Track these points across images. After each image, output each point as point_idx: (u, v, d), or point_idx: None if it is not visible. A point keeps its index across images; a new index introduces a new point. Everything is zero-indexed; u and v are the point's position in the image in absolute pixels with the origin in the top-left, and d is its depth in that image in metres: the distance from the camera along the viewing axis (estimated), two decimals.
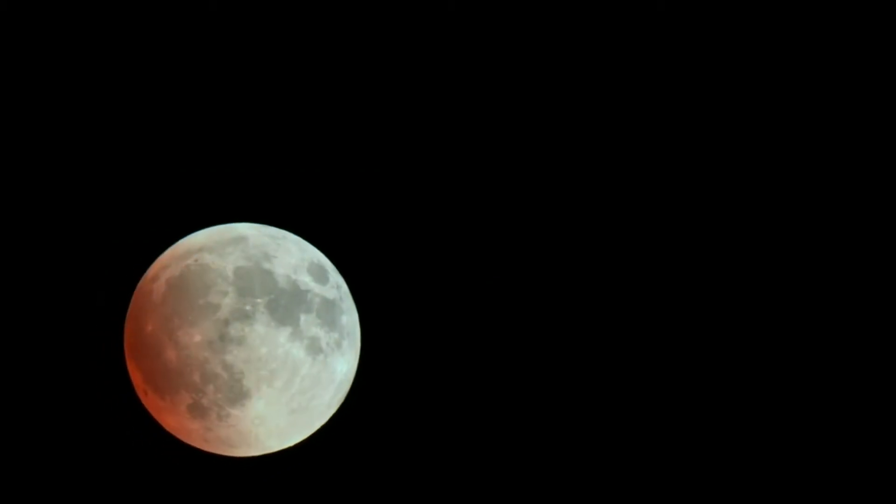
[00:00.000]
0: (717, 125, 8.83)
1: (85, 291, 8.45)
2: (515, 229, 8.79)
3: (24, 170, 8.53)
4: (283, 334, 7.45)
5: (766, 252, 8.80)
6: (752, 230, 8.82)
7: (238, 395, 7.44)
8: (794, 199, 8.82)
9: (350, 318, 7.95)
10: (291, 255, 7.76)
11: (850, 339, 8.73)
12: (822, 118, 8.81)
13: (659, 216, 8.75)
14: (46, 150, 8.56)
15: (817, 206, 8.81)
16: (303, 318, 7.54)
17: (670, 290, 8.76)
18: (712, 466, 8.63)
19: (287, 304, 7.50)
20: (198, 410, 7.53)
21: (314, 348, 7.58)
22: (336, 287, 7.88)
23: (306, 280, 7.68)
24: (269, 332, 7.41)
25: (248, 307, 7.40)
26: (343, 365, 7.83)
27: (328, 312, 7.71)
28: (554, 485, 8.70)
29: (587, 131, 8.69)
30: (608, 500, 8.64)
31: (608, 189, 8.72)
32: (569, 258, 8.78)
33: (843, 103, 8.80)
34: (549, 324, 8.75)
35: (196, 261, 7.61)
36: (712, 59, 8.80)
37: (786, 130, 8.83)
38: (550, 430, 8.70)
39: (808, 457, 8.69)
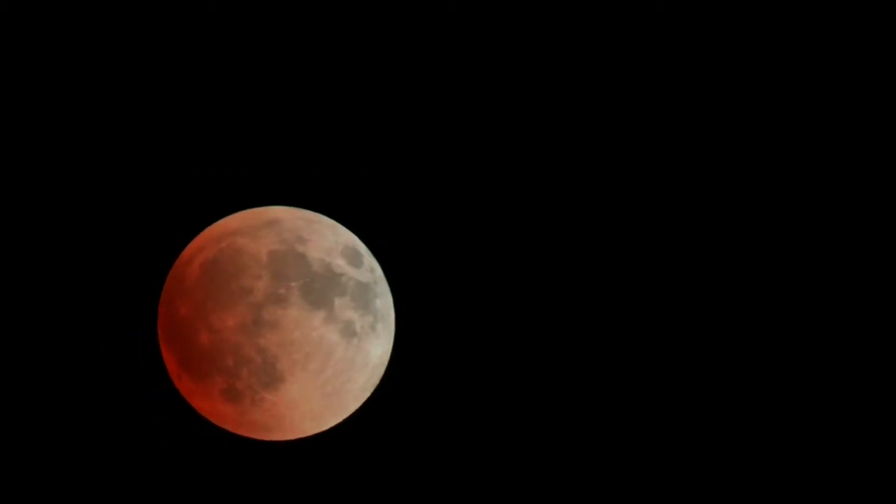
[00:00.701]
0: (716, 125, 8.78)
1: (119, 276, 8.46)
2: (552, 211, 8.75)
3: (57, 155, 8.53)
4: (317, 318, 7.42)
5: (766, 252, 8.76)
6: (752, 230, 8.77)
7: (272, 378, 7.42)
8: (794, 199, 8.76)
9: (384, 301, 7.91)
10: (325, 239, 7.72)
11: (850, 339, 8.68)
12: (822, 118, 8.75)
13: (660, 216, 8.70)
14: (82, 135, 8.56)
15: (817, 207, 8.75)
16: (337, 301, 7.51)
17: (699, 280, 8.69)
18: (733, 467, 8.59)
19: (321, 288, 7.47)
20: (232, 394, 7.51)
21: (348, 332, 7.55)
22: (370, 270, 7.85)
23: (340, 263, 7.64)
24: (302, 316, 7.38)
25: (281, 290, 7.37)
26: (377, 348, 7.79)
27: (362, 296, 7.67)
28: (590, 469, 8.66)
29: (590, 129, 8.66)
30: (644, 474, 8.61)
31: (613, 180, 8.69)
32: (602, 245, 8.74)
33: (843, 103, 8.73)
34: (586, 309, 8.70)
35: (230, 244, 7.60)
36: (712, 59, 8.74)
37: (786, 131, 8.77)
38: (586, 416, 8.65)
39: (809, 457, 8.65)
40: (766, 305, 8.66)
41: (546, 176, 8.76)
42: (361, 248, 7.95)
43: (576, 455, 8.64)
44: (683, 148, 8.77)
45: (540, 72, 8.68)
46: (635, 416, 8.64)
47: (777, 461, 8.57)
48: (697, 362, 8.66)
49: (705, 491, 8.55)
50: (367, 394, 7.95)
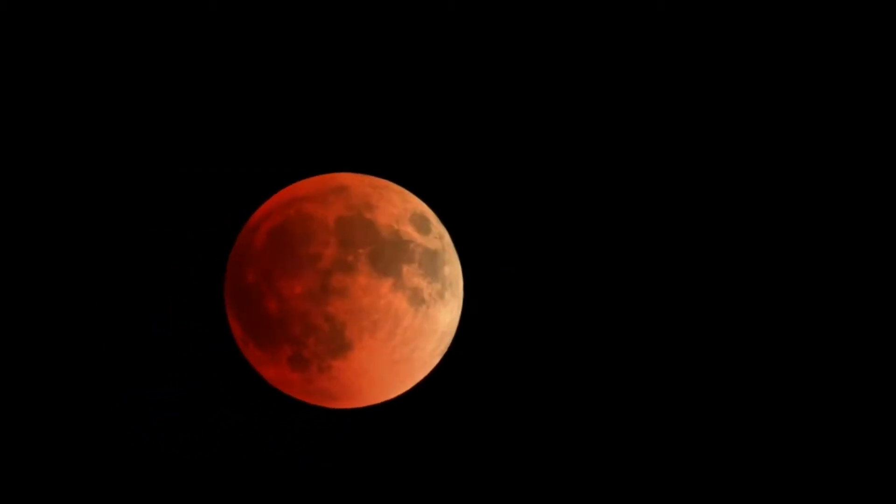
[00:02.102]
0: (716, 125, 8.70)
1: (186, 243, 8.46)
2: (620, 178, 8.67)
3: (124, 127, 8.54)
4: (385, 285, 7.37)
5: (766, 251, 8.70)
6: (752, 230, 8.69)
7: (339, 346, 7.38)
8: (794, 199, 8.68)
9: (453, 268, 7.85)
10: (394, 205, 7.66)
11: (851, 339, 8.60)
12: (822, 118, 8.67)
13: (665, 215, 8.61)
14: (155, 105, 8.56)
15: (817, 207, 8.66)
16: (405, 268, 7.45)
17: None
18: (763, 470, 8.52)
19: (389, 255, 7.42)
20: (299, 362, 7.49)
21: (416, 299, 7.50)
22: (439, 237, 7.78)
23: (409, 230, 7.59)
24: (370, 283, 7.33)
25: (349, 258, 7.33)
26: (446, 316, 7.74)
27: (431, 263, 7.62)
28: (657, 440, 8.60)
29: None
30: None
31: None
32: (670, 221, 8.66)
33: (843, 103, 8.64)
34: (657, 281, 8.62)
35: (297, 211, 7.56)
36: (712, 59, 8.67)
37: (786, 131, 8.68)
38: (652, 387, 8.59)
39: (810, 457, 8.58)
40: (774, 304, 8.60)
41: (613, 150, 8.71)
42: (430, 214, 7.88)
43: (641, 425, 8.59)
44: (683, 148, 8.72)
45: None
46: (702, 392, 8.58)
47: (794, 464, 8.52)
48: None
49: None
50: (436, 361, 7.91)
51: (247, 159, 8.53)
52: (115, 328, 8.33)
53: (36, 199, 8.40)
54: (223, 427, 8.41)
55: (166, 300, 8.44)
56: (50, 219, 8.37)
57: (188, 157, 8.56)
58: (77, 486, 8.26)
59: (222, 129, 8.58)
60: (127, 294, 8.34)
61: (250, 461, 8.39)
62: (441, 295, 7.67)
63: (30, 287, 8.31)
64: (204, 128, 8.57)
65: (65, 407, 8.27)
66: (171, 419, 8.35)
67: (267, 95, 8.59)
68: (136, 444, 8.31)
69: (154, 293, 8.43)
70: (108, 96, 8.48)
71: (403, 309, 7.44)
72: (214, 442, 8.39)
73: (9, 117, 8.35)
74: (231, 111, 8.59)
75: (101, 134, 8.46)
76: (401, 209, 7.68)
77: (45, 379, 8.27)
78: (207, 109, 8.59)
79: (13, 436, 8.23)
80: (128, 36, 8.47)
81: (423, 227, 7.70)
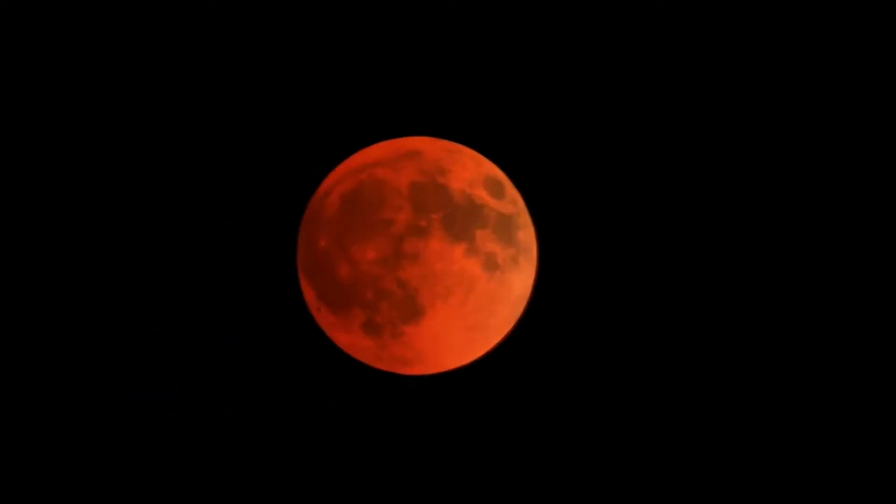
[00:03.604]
0: (716, 126, 8.54)
1: (257, 208, 8.45)
2: (697, 140, 8.54)
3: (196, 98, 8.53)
4: (459, 250, 7.31)
5: (765, 251, 8.56)
6: (751, 230, 8.53)
7: (412, 312, 7.36)
8: (794, 199, 8.51)
9: (527, 233, 7.76)
10: (467, 170, 7.60)
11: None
12: (823, 118, 8.50)
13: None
14: (233, 80, 8.54)
15: (817, 207, 8.50)
16: (479, 233, 7.39)
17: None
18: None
19: (463, 220, 7.35)
20: (371, 328, 7.48)
21: (490, 264, 7.43)
22: (513, 202, 7.70)
23: (482, 195, 7.52)
24: (444, 248, 7.28)
25: (422, 222, 7.27)
26: (520, 281, 7.66)
27: (504, 228, 7.54)
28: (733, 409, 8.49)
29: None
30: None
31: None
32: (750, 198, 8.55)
33: (843, 103, 8.48)
34: (740, 250, 8.51)
35: (370, 176, 7.52)
36: (712, 59, 8.51)
37: (787, 131, 8.52)
38: (732, 361, 8.48)
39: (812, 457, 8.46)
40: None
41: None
42: (504, 179, 7.79)
43: (720, 397, 8.49)
44: (682, 148, 8.57)
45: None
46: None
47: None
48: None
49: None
50: (509, 327, 7.85)
51: (318, 125, 8.49)
52: (115, 328, 8.34)
53: (36, 198, 8.43)
54: (295, 394, 8.41)
55: (166, 300, 8.44)
56: (49, 219, 8.40)
57: (261, 124, 8.55)
58: (77, 486, 8.31)
59: (292, 96, 8.54)
60: (127, 294, 8.34)
61: (322, 429, 8.40)
62: (515, 260, 7.60)
63: (30, 287, 8.34)
64: (276, 95, 8.54)
65: (65, 407, 8.30)
66: (171, 419, 8.37)
67: (340, 62, 8.54)
68: (136, 444, 8.34)
69: (154, 293, 8.43)
70: (114, 92, 8.48)
71: (477, 274, 7.38)
72: (286, 409, 8.41)
73: (9, 117, 8.36)
74: (303, 78, 8.55)
75: (102, 132, 8.47)
76: (474, 173, 7.60)
77: (45, 379, 8.30)
78: (282, 75, 8.55)
79: (13, 436, 8.27)
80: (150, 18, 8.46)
81: (496, 191, 7.62)
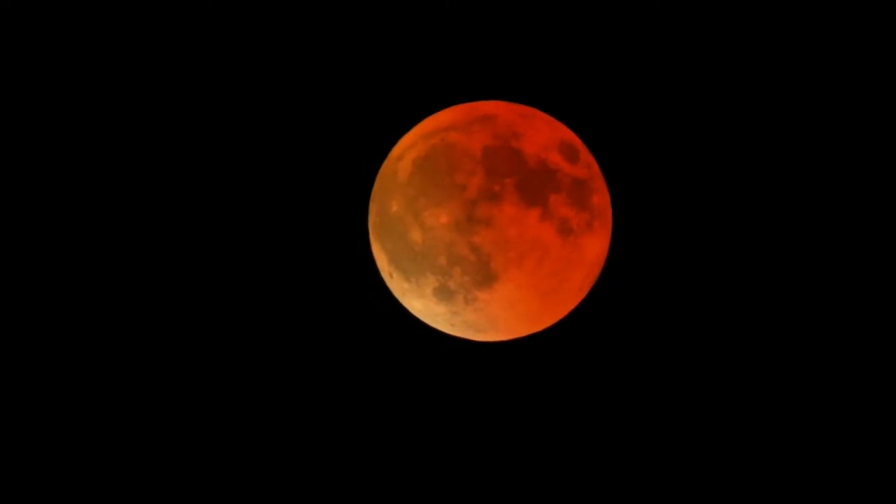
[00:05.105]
0: (716, 126, 8.44)
1: (328, 172, 8.45)
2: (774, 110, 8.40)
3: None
4: (533, 215, 7.23)
5: (765, 251, 8.46)
6: (751, 231, 8.43)
7: (486, 277, 7.30)
8: (794, 200, 8.38)
9: (601, 198, 7.67)
10: (541, 134, 7.50)
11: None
12: (823, 119, 8.36)
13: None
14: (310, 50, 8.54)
15: (817, 208, 8.38)
16: (552, 198, 7.30)
17: None
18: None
19: (536, 184, 7.27)
20: (444, 294, 7.43)
21: (564, 229, 7.34)
22: (587, 166, 7.60)
23: (556, 159, 7.43)
24: (517, 213, 7.21)
25: (496, 187, 7.21)
26: (594, 246, 7.57)
27: (579, 192, 7.44)
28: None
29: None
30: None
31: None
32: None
33: (843, 103, 8.32)
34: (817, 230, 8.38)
35: (442, 140, 7.46)
36: (712, 59, 8.41)
37: (787, 131, 8.39)
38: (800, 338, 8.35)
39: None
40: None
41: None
42: (578, 143, 7.70)
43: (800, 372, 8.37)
44: (682, 148, 8.47)
45: None
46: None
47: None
48: None
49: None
50: (584, 293, 7.77)
51: (389, 89, 8.48)
52: (115, 328, 8.37)
53: (36, 199, 8.46)
54: (367, 361, 8.42)
55: (311, 233, 8.47)
56: (50, 218, 8.43)
57: (332, 88, 8.55)
58: (77, 486, 8.36)
59: (364, 60, 8.53)
60: (127, 294, 8.36)
61: (395, 396, 8.41)
62: (589, 225, 7.51)
63: (30, 287, 8.38)
64: (349, 57, 8.53)
65: (65, 407, 8.34)
66: (243, 386, 8.41)
67: (412, 26, 8.51)
68: (137, 444, 8.37)
69: (297, 231, 8.47)
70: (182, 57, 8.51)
71: (551, 239, 7.30)
72: (358, 377, 8.42)
73: (8, 117, 8.39)
74: (375, 42, 8.53)
75: (107, 131, 8.48)
76: (548, 137, 7.51)
77: (45, 379, 8.34)
78: (354, 41, 8.54)
79: (13, 436, 8.31)
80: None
81: (571, 155, 7.53)
